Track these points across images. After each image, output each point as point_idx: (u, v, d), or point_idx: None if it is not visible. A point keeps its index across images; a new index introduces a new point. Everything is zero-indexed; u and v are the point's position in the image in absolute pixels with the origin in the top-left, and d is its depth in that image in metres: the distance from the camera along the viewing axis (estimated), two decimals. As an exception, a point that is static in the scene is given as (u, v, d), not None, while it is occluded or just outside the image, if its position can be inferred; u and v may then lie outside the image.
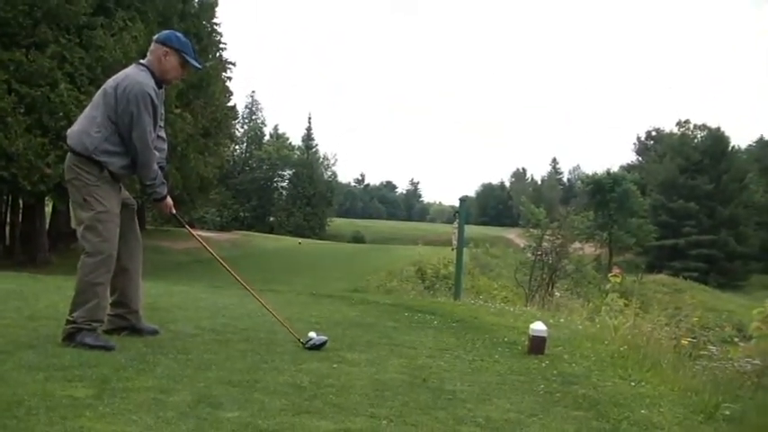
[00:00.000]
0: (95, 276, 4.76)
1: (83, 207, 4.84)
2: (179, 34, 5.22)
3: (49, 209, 32.73)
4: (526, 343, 5.58)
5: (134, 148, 4.82)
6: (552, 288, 18.02)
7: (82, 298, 4.74)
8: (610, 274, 9.67)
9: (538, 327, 5.53)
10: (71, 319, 4.71)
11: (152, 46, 5.06)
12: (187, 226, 6.41)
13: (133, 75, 4.90)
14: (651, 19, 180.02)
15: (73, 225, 32.75)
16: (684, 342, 6.70)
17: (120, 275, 5.05)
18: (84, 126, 4.85)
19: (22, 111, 23.26)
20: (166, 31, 5.25)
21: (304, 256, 36.61)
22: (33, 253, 28.28)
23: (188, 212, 47.22)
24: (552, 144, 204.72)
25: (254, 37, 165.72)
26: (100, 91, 4.95)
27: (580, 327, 7.12)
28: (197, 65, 5.28)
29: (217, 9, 34.14)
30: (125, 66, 5.29)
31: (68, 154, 4.91)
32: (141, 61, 5.07)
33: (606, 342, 6.10)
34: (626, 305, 8.56)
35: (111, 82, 4.92)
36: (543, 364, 5.07)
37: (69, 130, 4.97)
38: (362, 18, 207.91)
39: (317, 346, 5.09)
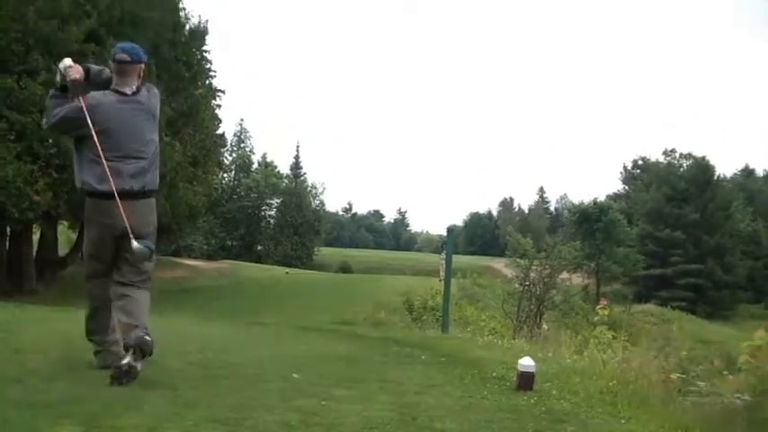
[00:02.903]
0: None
1: None
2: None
3: (36, 236, 32.56)
4: (515, 378, 5.58)
5: None
6: (540, 319, 18.02)
7: None
8: (597, 307, 9.68)
9: (526, 362, 5.53)
10: None
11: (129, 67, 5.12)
12: None
13: None
14: (636, 48, 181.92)
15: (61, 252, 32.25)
16: (673, 377, 6.70)
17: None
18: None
19: (12, 138, 23.23)
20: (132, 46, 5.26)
21: (291, 286, 36.52)
22: (20, 281, 28.12)
23: (176, 241, 47.11)
24: (539, 173, 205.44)
25: (244, 64, 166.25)
26: None
27: (568, 361, 7.13)
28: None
29: (207, 37, 34.27)
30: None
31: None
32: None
33: (595, 377, 6.10)
34: (614, 338, 8.57)
35: None
36: (532, 401, 5.06)
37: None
38: (350, 48, 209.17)
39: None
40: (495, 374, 5.98)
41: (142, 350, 4.68)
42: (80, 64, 5.00)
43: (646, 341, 10.91)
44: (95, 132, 4.77)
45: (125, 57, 5.08)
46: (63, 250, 34.21)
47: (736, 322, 53.57)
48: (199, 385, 4.84)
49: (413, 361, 6.67)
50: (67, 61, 4.92)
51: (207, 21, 33.77)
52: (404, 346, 7.44)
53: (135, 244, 4.73)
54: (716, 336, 36.79)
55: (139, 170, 4.99)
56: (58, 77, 4.96)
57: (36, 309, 9.82)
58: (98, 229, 5.06)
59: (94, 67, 5.15)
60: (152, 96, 5.19)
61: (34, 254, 31.11)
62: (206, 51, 34.82)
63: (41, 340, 6.01)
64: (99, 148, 4.77)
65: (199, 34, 33.52)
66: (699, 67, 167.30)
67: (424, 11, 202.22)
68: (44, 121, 5.18)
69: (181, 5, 32.32)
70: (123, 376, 4.58)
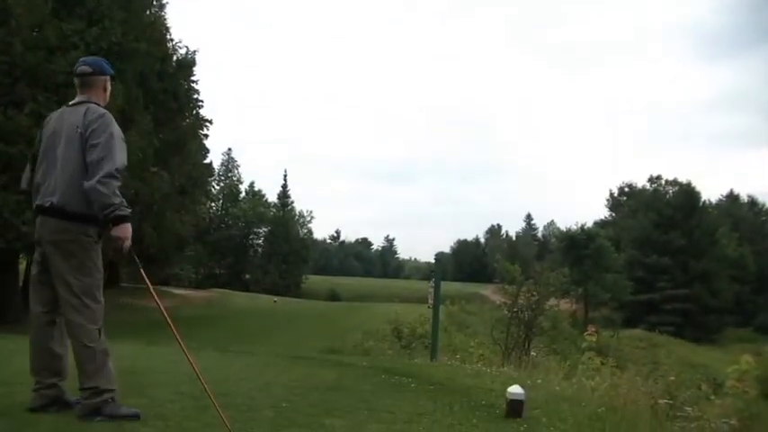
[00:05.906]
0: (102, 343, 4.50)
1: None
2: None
3: (22, 266, 32.33)
4: (504, 406, 5.59)
5: None
6: (529, 346, 17.99)
7: (94, 366, 4.40)
8: (585, 333, 9.71)
9: (515, 390, 5.55)
10: (93, 388, 4.35)
11: (90, 78, 4.83)
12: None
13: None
14: (622, 75, 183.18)
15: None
16: (662, 402, 6.72)
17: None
18: None
19: (-2, 168, 23.16)
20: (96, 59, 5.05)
21: (280, 315, 36.37)
22: (5, 311, 27.89)
23: (164, 269, 46.98)
24: (526, 200, 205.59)
25: (232, 93, 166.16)
26: None
27: (557, 388, 7.14)
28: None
29: (194, 68, 34.37)
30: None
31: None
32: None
33: (584, 403, 6.12)
34: (602, 363, 8.59)
35: None
36: (521, 429, 5.07)
37: None
38: (338, 78, 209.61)
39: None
40: (484, 402, 5.99)
41: None
42: None
43: (634, 366, 10.92)
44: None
45: (85, 69, 4.83)
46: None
47: (723, 345, 53.87)
48: (190, 416, 4.82)
49: (402, 389, 6.66)
50: None
51: (195, 51, 33.92)
52: (393, 375, 7.44)
53: None
54: (704, 359, 36.96)
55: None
56: None
57: (21, 339, 9.73)
58: None
59: None
60: (89, 113, 4.61)
61: (20, 284, 30.89)
62: (194, 82, 34.94)
63: (27, 372, 5.94)
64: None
65: (186, 65, 33.63)
66: (686, 90, 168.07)
67: (422, 38, 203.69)
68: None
69: (169, 37, 32.45)
70: None
